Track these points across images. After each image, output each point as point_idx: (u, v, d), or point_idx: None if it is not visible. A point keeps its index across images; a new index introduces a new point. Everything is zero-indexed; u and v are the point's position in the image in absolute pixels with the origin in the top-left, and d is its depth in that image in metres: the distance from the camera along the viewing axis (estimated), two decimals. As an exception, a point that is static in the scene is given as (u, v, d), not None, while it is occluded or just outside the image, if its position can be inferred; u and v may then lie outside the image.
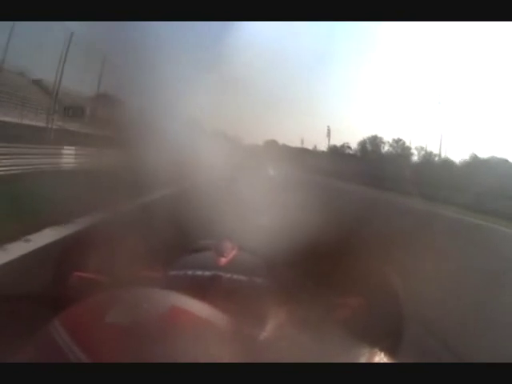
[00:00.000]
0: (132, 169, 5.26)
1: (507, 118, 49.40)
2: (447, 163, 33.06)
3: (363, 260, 1.73)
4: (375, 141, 39.43)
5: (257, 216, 3.26)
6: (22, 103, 13.83)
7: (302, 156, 23.52)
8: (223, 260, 1.43)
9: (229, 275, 1.30)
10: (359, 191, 16.87)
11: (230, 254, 1.51)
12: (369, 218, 7.66)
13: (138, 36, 4.40)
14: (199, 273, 1.31)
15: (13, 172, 8.98)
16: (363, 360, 0.70)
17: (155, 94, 5.26)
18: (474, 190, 15.86)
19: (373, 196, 16.25)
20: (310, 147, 37.08)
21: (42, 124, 14.26)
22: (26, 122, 13.42)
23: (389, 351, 0.74)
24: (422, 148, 37.27)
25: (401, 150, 38.40)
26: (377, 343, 0.74)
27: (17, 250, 3.81)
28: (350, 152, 39.78)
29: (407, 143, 38.34)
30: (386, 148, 39.45)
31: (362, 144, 39.87)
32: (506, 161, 28.14)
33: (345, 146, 39.91)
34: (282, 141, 16.16)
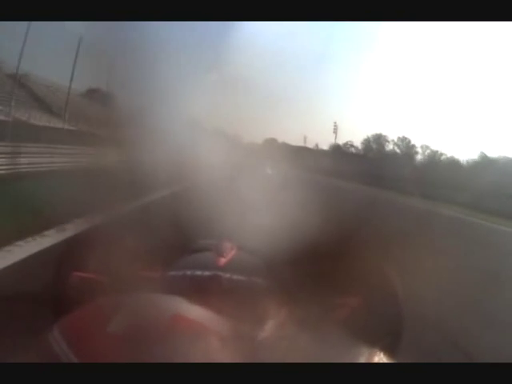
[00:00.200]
0: (131, 169, 5.26)
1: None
2: (453, 162, 32.83)
3: (363, 260, 1.74)
4: (379, 139, 39.05)
5: (254, 215, 3.26)
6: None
7: (302, 154, 23.44)
8: (223, 260, 1.43)
9: (228, 275, 1.30)
10: (359, 190, 16.87)
11: (229, 254, 1.51)
12: (368, 217, 7.66)
13: (138, 36, 4.40)
14: (199, 273, 1.31)
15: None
16: (363, 360, 0.70)
17: (155, 94, 5.25)
18: (477, 189, 15.85)
19: (373, 195, 16.25)
20: (313, 145, 36.90)
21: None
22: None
23: (388, 351, 0.74)
24: (427, 147, 37.04)
25: (406, 149, 37.98)
26: (376, 343, 0.74)
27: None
28: (353, 151, 39.47)
29: (412, 142, 38.00)
30: (390, 146, 39.06)
31: (366, 142, 39.51)
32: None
33: (348, 145, 39.62)
34: (283, 139, 16.16)
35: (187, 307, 0.78)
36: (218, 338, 0.69)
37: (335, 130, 36.24)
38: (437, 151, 36.03)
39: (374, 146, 39.06)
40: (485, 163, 29.36)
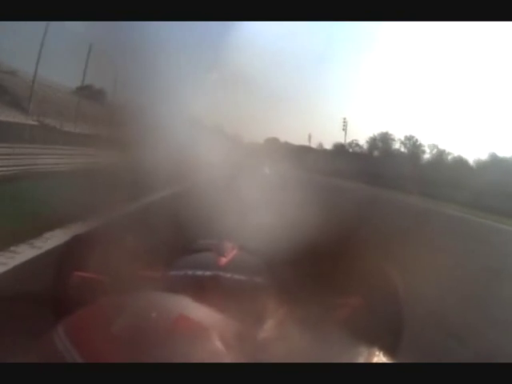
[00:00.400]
0: (132, 168, 5.26)
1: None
2: (460, 162, 32.48)
3: (363, 259, 1.74)
4: (386, 138, 38.45)
5: (252, 215, 3.26)
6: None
7: (304, 154, 23.29)
8: (223, 260, 1.44)
9: (229, 275, 1.30)
10: (359, 189, 16.87)
11: (230, 254, 1.52)
12: (368, 216, 7.67)
13: (138, 36, 4.40)
14: (199, 273, 1.31)
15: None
16: (363, 360, 0.70)
17: (155, 94, 5.25)
18: (479, 188, 15.83)
19: (373, 194, 16.24)
20: (318, 144, 36.50)
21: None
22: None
23: (388, 350, 0.74)
24: (434, 146, 36.60)
25: (413, 148, 37.35)
26: (376, 342, 0.74)
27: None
28: (357, 150, 38.95)
29: (420, 141, 37.41)
30: (397, 145, 38.39)
31: (372, 141, 38.95)
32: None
33: (354, 143, 39.09)
34: (285, 138, 16.05)
35: (189, 307, 0.79)
36: (218, 338, 0.70)
37: (345, 127, 35.69)
38: (444, 150, 35.68)
39: (380, 145, 38.51)
40: (495, 162, 28.71)
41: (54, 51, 14.32)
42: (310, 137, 33.59)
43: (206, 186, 4.76)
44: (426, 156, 36.83)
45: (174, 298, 0.84)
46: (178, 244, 1.79)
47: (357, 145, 39.16)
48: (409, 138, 37.38)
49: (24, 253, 3.51)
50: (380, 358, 0.71)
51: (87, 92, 16.11)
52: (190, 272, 1.32)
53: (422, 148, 37.04)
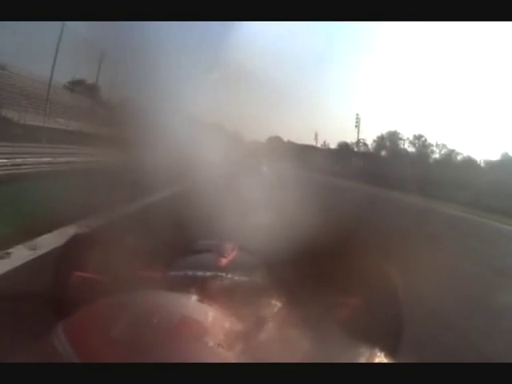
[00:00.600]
0: (133, 167, 5.25)
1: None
2: (469, 162, 32.15)
3: (363, 259, 1.74)
4: (394, 137, 37.89)
5: (253, 215, 3.26)
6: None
7: (307, 153, 23.05)
8: (224, 261, 1.44)
9: (229, 276, 1.31)
10: (360, 189, 16.85)
11: (230, 254, 1.52)
12: (368, 216, 7.67)
13: (138, 36, 4.40)
14: (200, 273, 1.31)
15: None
16: (363, 360, 0.70)
17: (156, 94, 5.25)
18: (481, 188, 15.78)
19: (374, 193, 16.23)
20: (322, 143, 35.94)
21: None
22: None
23: (388, 351, 0.74)
24: (443, 145, 35.94)
25: (421, 147, 36.66)
26: (376, 343, 0.74)
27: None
28: (362, 149, 38.39)
29: (428, 140, 36.63)
30: (405, 145, 37.66)
31: (379, 140, 38.39)
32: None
33: (361, 143, 38.47)
34: (289, 137, 15.90)
35: (189, 307, 0.79)
36: (218, 338, 0.70)
37: (357, 124, 34.91)
38: (453, 150, 35.19)
39: (388, 144, 37.95)
40: (508, 162, 28.21)
41: (44, 46, 14.05)
42: (316, 136, 33.21)
43: (206, 185, 4.76)
44: (435, 156, 36.46)
45: (174, 298, 0.84)
46: (178, 244, 1.79)
47: (364, 144, 38.70)
48: (418, 138, 36.87)
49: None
50: (380, 358, 0.72)
51: (80, 88, 15.72)
52: (190, 272, 1.32)
53: (432, 148, 36.64)
